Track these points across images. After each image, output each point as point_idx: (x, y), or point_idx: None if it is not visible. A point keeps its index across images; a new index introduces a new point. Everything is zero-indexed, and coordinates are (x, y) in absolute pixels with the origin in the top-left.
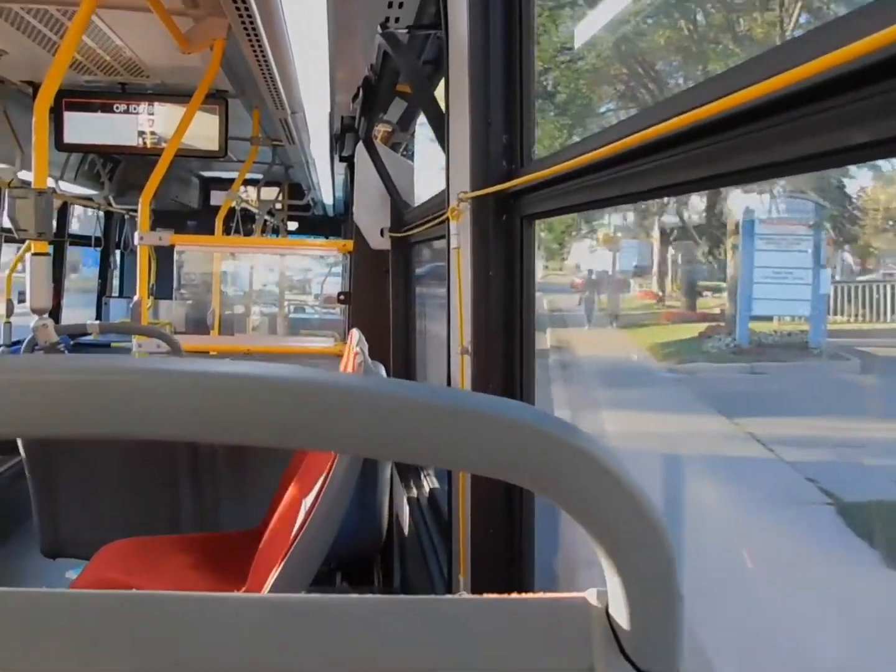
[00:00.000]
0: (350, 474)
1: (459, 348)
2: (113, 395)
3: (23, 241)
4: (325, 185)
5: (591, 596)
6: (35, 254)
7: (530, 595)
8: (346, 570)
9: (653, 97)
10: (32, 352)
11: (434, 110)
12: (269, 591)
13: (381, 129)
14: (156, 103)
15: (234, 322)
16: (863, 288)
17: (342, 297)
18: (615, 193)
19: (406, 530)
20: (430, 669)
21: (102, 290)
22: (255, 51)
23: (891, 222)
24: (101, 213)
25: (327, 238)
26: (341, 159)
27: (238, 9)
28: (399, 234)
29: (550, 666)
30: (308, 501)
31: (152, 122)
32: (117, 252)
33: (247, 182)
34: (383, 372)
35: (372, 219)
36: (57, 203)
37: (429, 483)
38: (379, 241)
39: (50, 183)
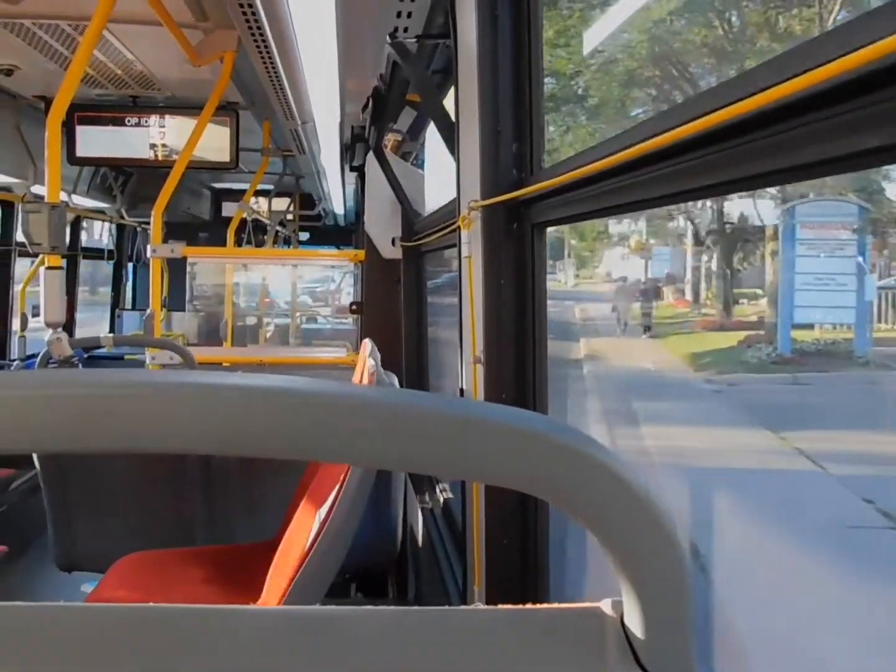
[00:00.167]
0: (364, 485)
1: (472, 357)
2: (129, 409)
3: (36, 256)
4: (336, 195)
5: (605, 606)
6: (49, 267)
7: (545, 606)
8: (361, 581)
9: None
10: (47, 365)
11: (444, 119)
12: (284, 604)
13: (391, 139)
14: (167, 116)
15: (247, 333)
16: None
17: (354, 307)
18: (625, 200)
19: (420, 541)
20: None
21: (115, 303)
22: (264, 62)
23: None
24: (114, 226)
25: (338, 248)
26: (352, 169)
27: (248, 21)
28: (410, 244)
29: None
30: (322, 513)
31: (163, 135)
32: (130, 265)
33: (258, 193)
34: (396, 382)
35: (383, 228)
36: (70, 217)
37: (443, 494)
38: (390, 251)
39: (63, 197)
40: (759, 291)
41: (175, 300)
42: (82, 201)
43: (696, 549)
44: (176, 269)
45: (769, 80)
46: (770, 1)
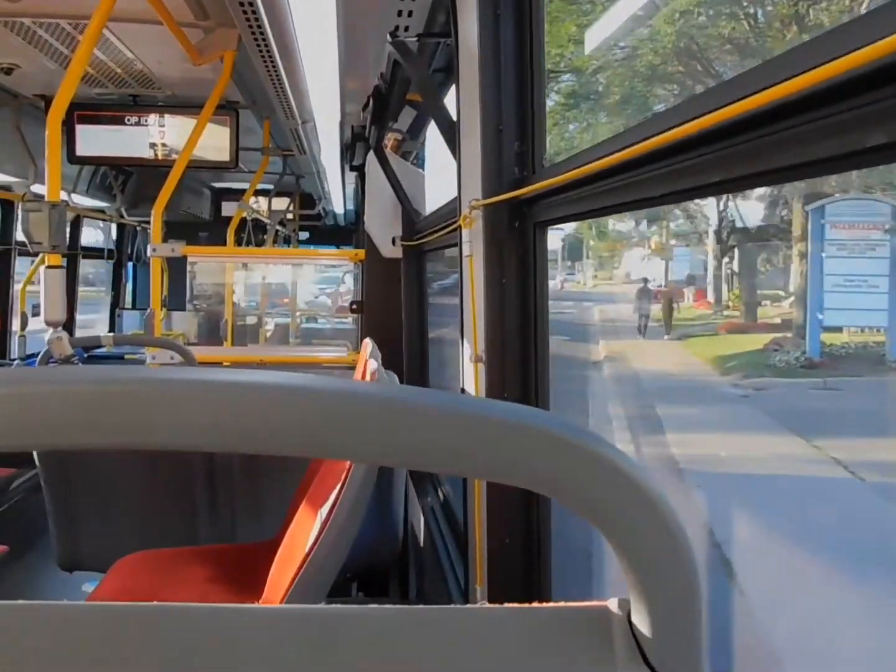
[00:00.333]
0: (366, 484)
1: (473, 356)
2: (134, 405)
3: (36, 255)
4: (336, 195)
5: (612, 605)
6: (49, 267)
7: (551, 604)
8: (362, 580)
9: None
10: (47, 364)
11: (445, 118)
12: (286, 603)
13: (391, 138)
14: (167, 115)
15: (247, 332)
16: None
17: (354, 306)
18: (627, 199)
19: (421, 540)
20: None
21: (115, 302)
22: (265, 61)
23: None
24: (114, 226)
25: (338, 247)
26: (352, 168)
27: (248, 20)
28: (411, 243)
29: None
30: (324, 512)
31: (164, 134)
32: (130, 264)
33: (258, 192)
34: (397, 381)
35: (383, 227)
36: (70, 216)
37: (444, 492)
38: (390, 250)
39: (63, 196)
40: (782, 293)
41: (175, 300)
42: (82, 200)
43: (733, 569)
44: (176, 268)
45: (769, 80)
46: None
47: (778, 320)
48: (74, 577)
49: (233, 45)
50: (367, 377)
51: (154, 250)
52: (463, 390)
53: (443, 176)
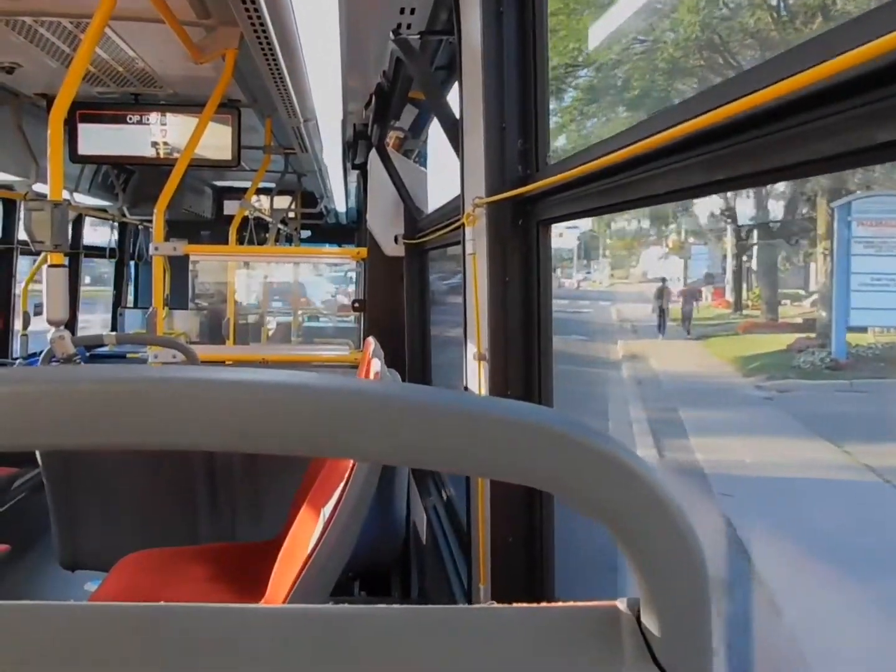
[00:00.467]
0: (369, 483)
1: (476, 354)
2: (135, 405)
3: (38, 254)
4: (338, 193)
5: (621, 604)
6: (51, 265)
7: (559, 604)
8: (364, 579)
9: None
10: (49, 363)
11: (448, 116)
12: (289, 602)
13: (393, 136)
14: (168, 114)
15: (250, 331)
16: None
17: (357, 304)
18: (631, 197)
19: (424, 539)
20: None
21: (117, 301)
22: (267, 60)
23: None
24: (116, 225)
25: (340, 246)
26: (354, 167)
27: (250, 18)
28: (413, 241)
29: None
30: (327, 511)
31: (165, 133)
32: (132, 263)
33: (260, 191)
34: (399, 380)
35: (385, 226)
36: (72, 215)
37: (446, 491)
38: (393, 248)
39: (65, 195)
40: (802, 292)
41: (178, 298)
42: (84, 199)
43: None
44: (178, 267)
45: (776, 76)
46: None
47: (799, 320)
48: (76, 577)
49: (234, 44)
50: (371, 376)
51: (156, 249)
52: (466, 388)
53: (445, 174)
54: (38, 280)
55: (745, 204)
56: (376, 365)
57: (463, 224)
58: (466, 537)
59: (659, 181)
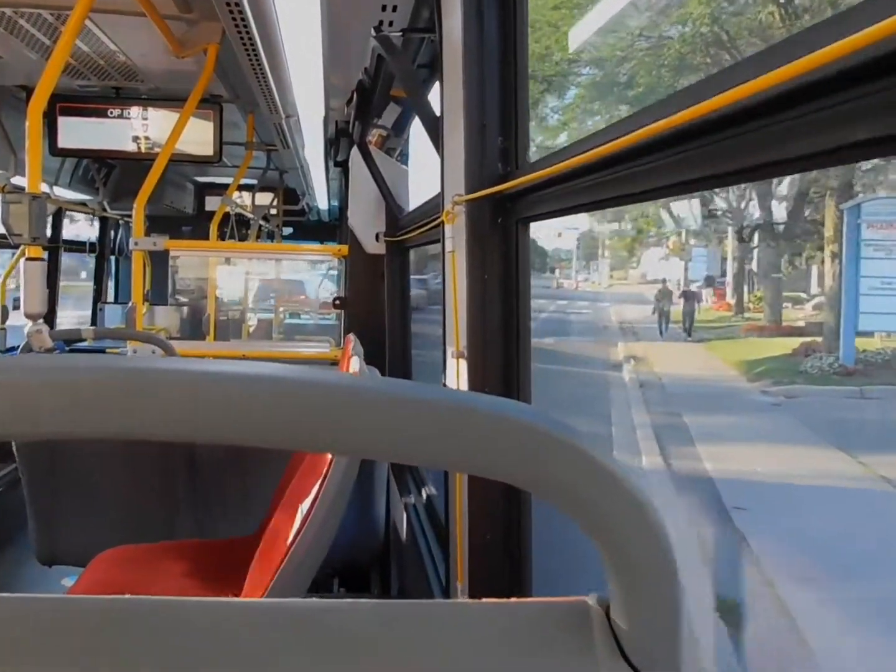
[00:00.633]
0: (347, 478)
1: (455, 352)
2: (106, 393)
3: (17, 247)
4: (320, 190)
5: (591, 599)
6: (29, 258)
7: (530, 599)
8: (344, 576)
9: None
10: None
11: (429, 114)
12: (266, 598)
13: (375, 134)
14: (150, 108)
15: (230, 327)
16: None
17: (337, 301)
18: (611, 195)
19: (403, 536)
20: None
21: (97, 296)
22: (248, 55)
23: None
24: (97, 219)
25: (322, 243)
26: (336, 164)
27: (232, 13)
28: (394, 239)
29: (551, 671)
30: (305, 506)
31: (147, 127)
32: (112, 258)
33: (241, 187)
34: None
35: (367, 223)
36: (52, 208)
37: (426, 488)
38: (374, 246)
39: (44, 188)
40: (804, 295)
41: (158, 294)
42: (64, 193)
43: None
44: (160, 263)
45: (755, 73)
46: None
47: (803, 323)
48: (53, 572)
49: (216, 39)
50: (350, 372)
51: (136, 244)
52: (445, 386)
53: (426, 172)
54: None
55: (747, 205)
56: (356, 362)
57: (442, 222)
58: (445, 535)
59: (639, 179)
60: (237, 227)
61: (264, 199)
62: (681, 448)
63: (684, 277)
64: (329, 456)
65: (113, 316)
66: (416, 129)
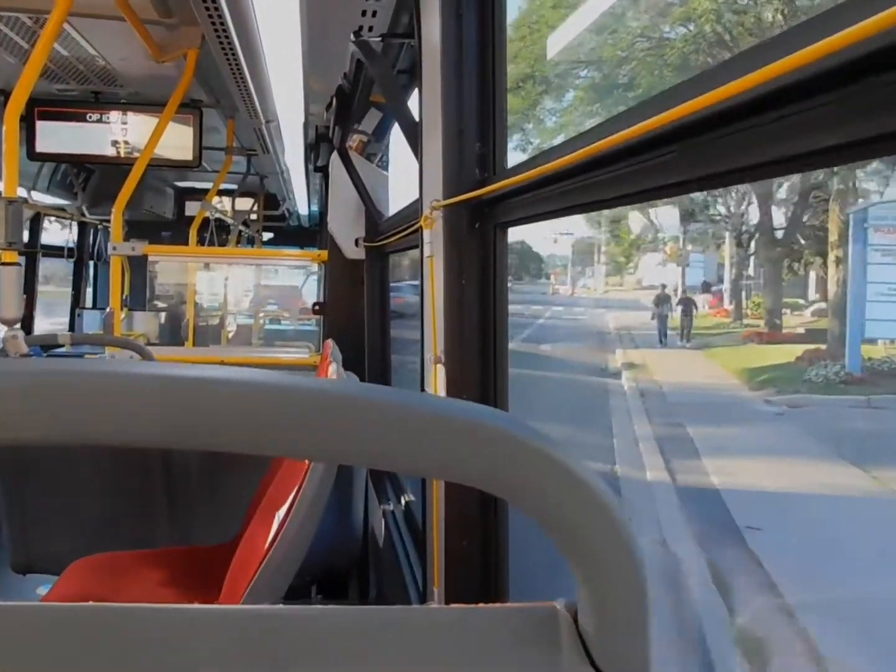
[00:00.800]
0: (324, 484)
1: (433, 357)
2: (79, 398)
3: None
4: (300, 196)
5: (560, 604)
6: (4, 263)
7: (498, 605)
8: (322, 583)
9: None
10: None
11: (407, 119)
12: (242, 605)
13: (356, 140)
14: (129, 112)
15: (209, 333)
16: None
17: (317, 307)
18: (588, 199)
19: (381, 543)
20: None
21: (75, 302)
22: (228, 60)
23: None
24: (75, 224)
25: (302, 248)
26: (316, 169)
27: (211, 17)
28: (374, 244)
29: None
30: (282, 513)
31: (126, 132)
32: (91, 263)
33: (222, 192)
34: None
35: (346, 228)
36: (29, 213)
37: (404, 495)
38: (353, 251)
39: (22, 193)
40: (802, 301)
41: (136, 299)
42: (42, 198)
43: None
44: (138, 268)
45: (731, 77)
46: None
47: (802, 330)
48: (28, 580)
49: (196, 43)
50: (327, 378)
51: (114, 249)
52: (422, 391)
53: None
54: None
55: (746, 210)
56: (334, 367)
57: (421, 227)
58: (422, 541)
59: (615, 183)
60: (217, 233)
61: (244, 204)
62: (685, 461)
63: (682, 283)
64: (307, 463)
65: (91, 321)
66: (397, 134)
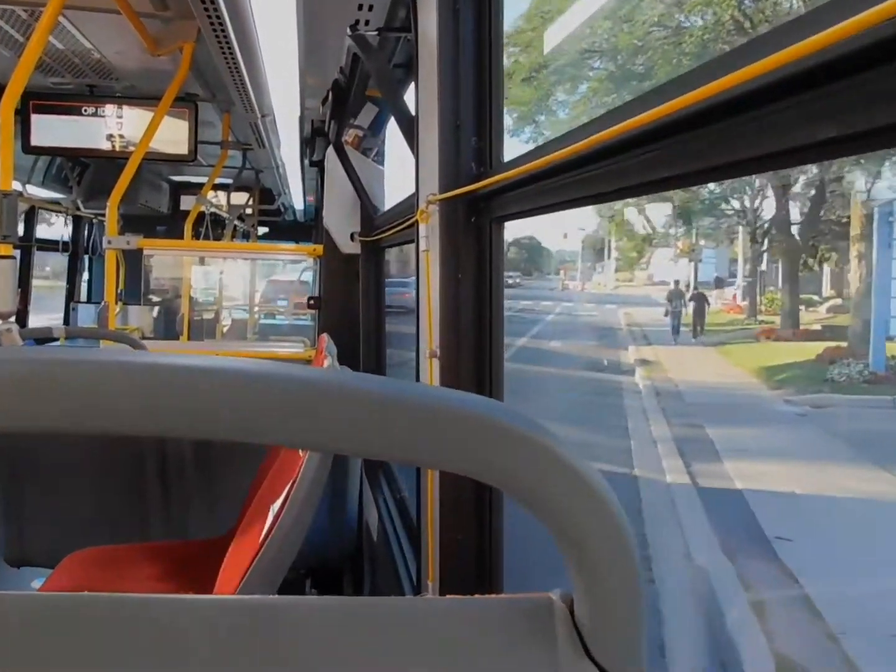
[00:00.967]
0: (319, 476)
1: (428, 351)
2: (71, 386)
3: None
4: (296, 190)
5: (555, 595)
6: (0, 257)
7: (494, 596)
8: (316, 576)
9: None
10: None
11: (404, 113)
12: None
13: (352, 134)
14: (125, 106)
15: (204, 327)
16: None
17: (312, 301)
18: (585, 194)
19: (375, 536)
20: (395, 671)
21: (70, 296)
22: (224, 54)
23: None
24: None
25: (297, 243)
26: (311, 164)
27: (207, 11)
28: (369, 238)
29: (514, 667)
30: (276, 505)
31: (121, 126)
32: (86, 257)
33: (217, 187)
34: None
35: (342, 223)
36: (24, 207)
37: (398, 488)
38: (349, 246)
39: (16, 186)
40: (816, 297)
41: (132, 294)
42: (37, 192)
43: None
44: (133, 262)
45: (729, 69)
46: None
47: (818, 327)
48: (22, 573)
49: (192, 37)
50: None
51: (109, 243)
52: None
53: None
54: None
55: (760, 204)
56: (328, 361)
57: (417, 221)
58: (417, 534)
59: (611, 177)
60: (212, 227)
61: (240, 198)
62: (707, 465)
63: (693, 279)
64: (301, 456)
65: (86, 315)
66: (393, 128)
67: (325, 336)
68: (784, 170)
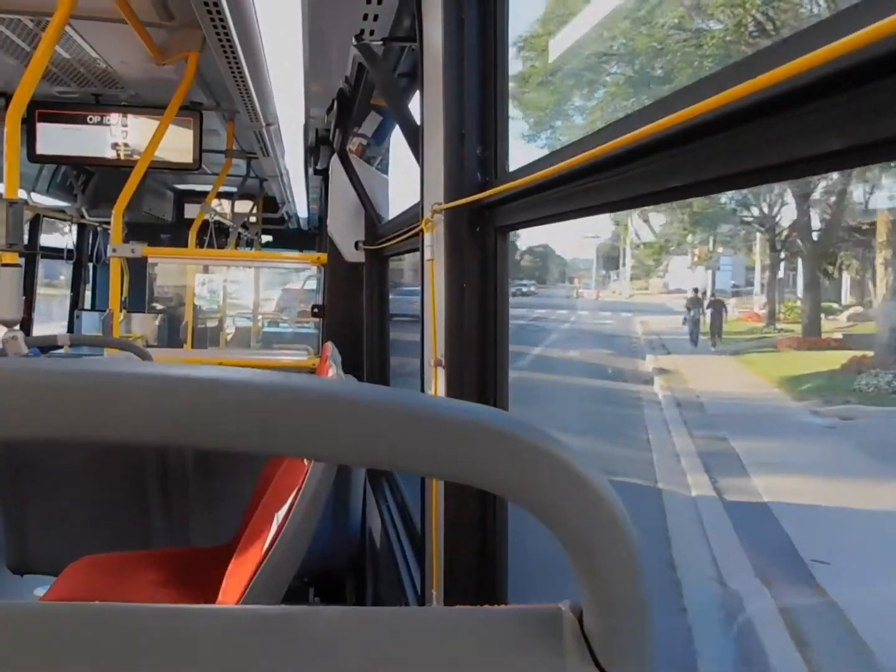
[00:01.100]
0: (323, 486)
1: (433, 360)
2: (77, 396)
3: None
4: (300, 199)
5: (565, 606)
6: (5, 265)
7: (503, 606)
8: (319, 584)
9: None
10: None
11: (409, 122)
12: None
13: (356, 143)
14: (130, 115)
15: (208, 335)
16: None
17: (316, 310)
18: (589, 204)
19: (379, 544)
20: None
21: (74, 303)
22: (229, 63)
23: None
24: (75, 226)
25: (301, 251)
26: (316, 172)
27: (213, 20)
28: (373, 247)
29: None
30: (280, 514)
31: (126, 134)
32: (90, 265)
33: (221, 195)
34: None
35: (346, 231)
36: (29, 215)
37: (402, 497)
38: (353, 254)
39: (22, 194)
40: (836, 305)
41: (137, 302)
42: (42, 200)
43: None
44: (137, 270)
45: (733, 82)
46: None
47: (840, 335)
48: (26, 581)
49: (197, 46)
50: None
51: (114, 251)
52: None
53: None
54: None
55: (779, 211)
56: (333, 370)
57: (422, 230)
58: (420, 543)
59: (617, 188)
60: (216, 235)
61: (244, 206)
62: (734, 480)
63: (711, 287)
64: (305, 464)
65: (90, 323)
66: (397, 137)
67: (329, 344)
68: (804, 178)
